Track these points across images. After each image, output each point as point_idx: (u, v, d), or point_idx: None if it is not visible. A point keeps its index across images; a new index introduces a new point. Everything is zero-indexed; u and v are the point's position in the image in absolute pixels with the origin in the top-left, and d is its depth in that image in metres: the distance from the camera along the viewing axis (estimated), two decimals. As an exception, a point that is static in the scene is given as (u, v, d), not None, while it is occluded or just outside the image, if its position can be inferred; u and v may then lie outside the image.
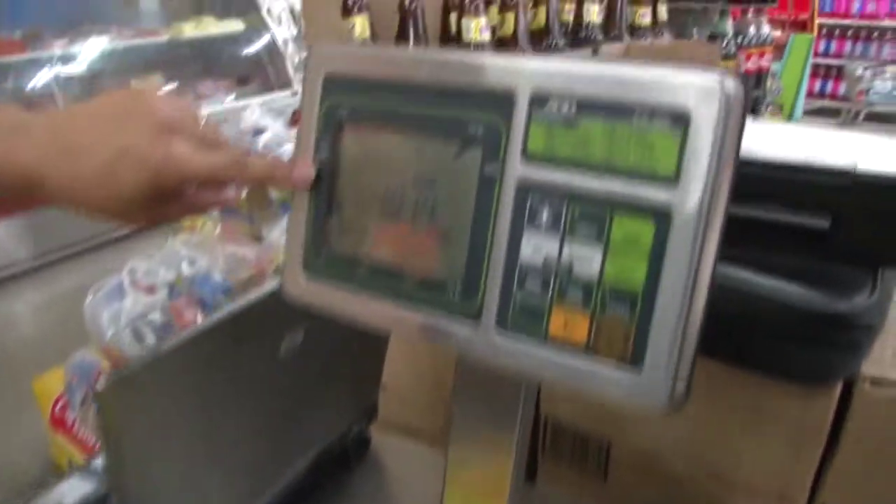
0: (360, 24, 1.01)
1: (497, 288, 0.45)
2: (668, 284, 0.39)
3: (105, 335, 1.26)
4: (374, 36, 1.05)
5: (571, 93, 0.41)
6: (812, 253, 0.74)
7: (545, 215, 0.43)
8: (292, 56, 3.76)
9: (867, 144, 0.85)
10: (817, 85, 6.04)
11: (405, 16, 1.05)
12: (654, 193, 0.39)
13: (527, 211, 0.43)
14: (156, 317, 1.26)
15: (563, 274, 0.42)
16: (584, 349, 0.42)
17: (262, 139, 1.79)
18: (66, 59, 2.63)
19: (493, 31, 1.10)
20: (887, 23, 5.92)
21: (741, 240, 0.69)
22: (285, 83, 3.52)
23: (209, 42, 3.47)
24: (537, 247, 0.43)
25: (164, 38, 3.10)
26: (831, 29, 6.03)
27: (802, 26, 5.05)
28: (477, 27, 1.03)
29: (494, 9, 1.12)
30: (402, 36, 1.06)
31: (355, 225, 0.51)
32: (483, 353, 0.46)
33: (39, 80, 2.50)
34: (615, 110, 0.40)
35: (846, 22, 6.04)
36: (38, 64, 2.50)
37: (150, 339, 1.25)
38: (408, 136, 0.48)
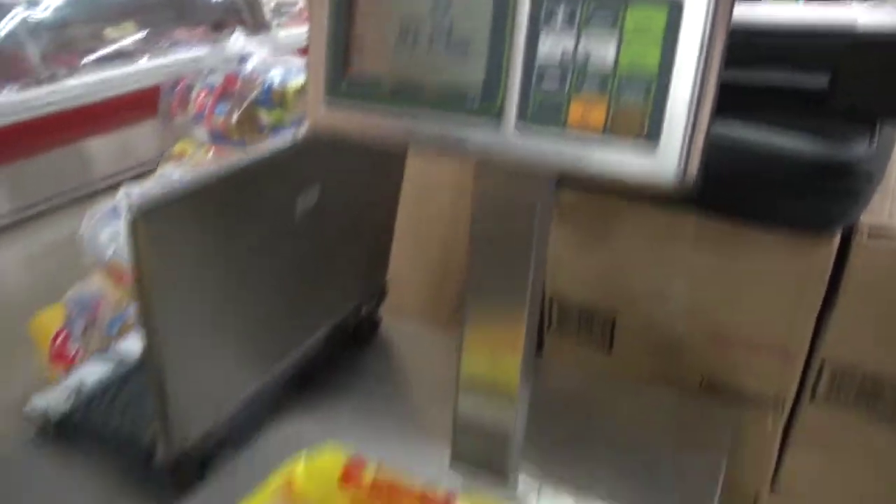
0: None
1: (517, 87, 0.50)
2: (681, 67, 0.45)
3: (106, 254, 1.29)
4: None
5: None
6: (810, 112, 0.79)
7: (560, 14, 0.47)
8: (269, -1, 3.72)
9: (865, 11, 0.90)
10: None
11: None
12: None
13: (542, 12, 0.48)
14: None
15: (580, 67, 0.47)
16: (601, 133, 0.47)
17: (249, 64, 1.81)
18: (32, 4, 2.61)
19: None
20: None
21: (738, 106, 0.74)
22: (263, 27, 3.52)
23: (182, -12, 3.44)
24: (554, 44, 0.48)
25: (135, -18, 3.08)
26: None
27: None
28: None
29: None
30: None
31: (375, 48, 0.55)
32: (503, 152, 0.51)
33: (4, 27, 2.49)
34: None
35: None
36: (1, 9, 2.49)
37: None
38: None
